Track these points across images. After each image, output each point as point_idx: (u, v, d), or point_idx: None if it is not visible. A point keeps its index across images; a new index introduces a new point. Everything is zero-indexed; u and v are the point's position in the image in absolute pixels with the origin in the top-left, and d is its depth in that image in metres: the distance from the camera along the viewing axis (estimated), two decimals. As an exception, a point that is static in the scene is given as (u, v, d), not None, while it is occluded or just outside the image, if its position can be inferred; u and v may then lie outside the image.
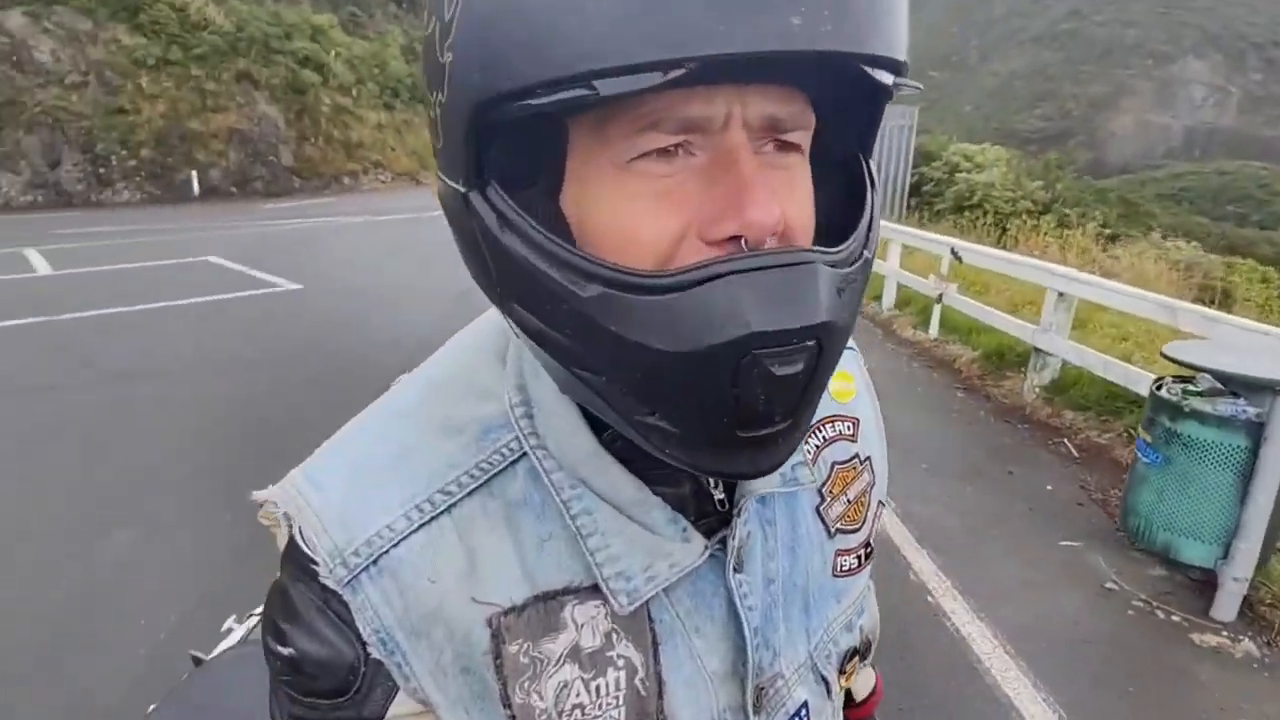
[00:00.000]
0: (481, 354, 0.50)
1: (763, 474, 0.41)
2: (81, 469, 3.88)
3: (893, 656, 2.48)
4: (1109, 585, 3.00)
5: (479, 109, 0.34)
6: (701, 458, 0.39)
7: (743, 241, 0.35)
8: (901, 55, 0.35)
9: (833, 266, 0.37)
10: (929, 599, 2.88)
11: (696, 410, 0.37)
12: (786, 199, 0.37)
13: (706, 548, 0.47)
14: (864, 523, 0.59)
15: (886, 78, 0.35)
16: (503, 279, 0.39)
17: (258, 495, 0.46)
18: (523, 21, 0.31)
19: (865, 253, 0.40)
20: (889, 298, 7.48)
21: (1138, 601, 2.88)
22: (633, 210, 0.36)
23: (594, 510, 0.45)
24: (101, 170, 18.71)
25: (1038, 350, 5.00)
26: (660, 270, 0.35)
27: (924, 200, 16.63)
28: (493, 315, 0.50)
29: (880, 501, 0.62)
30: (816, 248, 0.37)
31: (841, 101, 0.40)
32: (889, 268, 7.36)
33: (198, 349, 5.99)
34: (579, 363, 0.38)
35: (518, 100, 0.32)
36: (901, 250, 7.51)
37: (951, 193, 16.68)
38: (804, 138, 0.39)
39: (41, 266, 9.43)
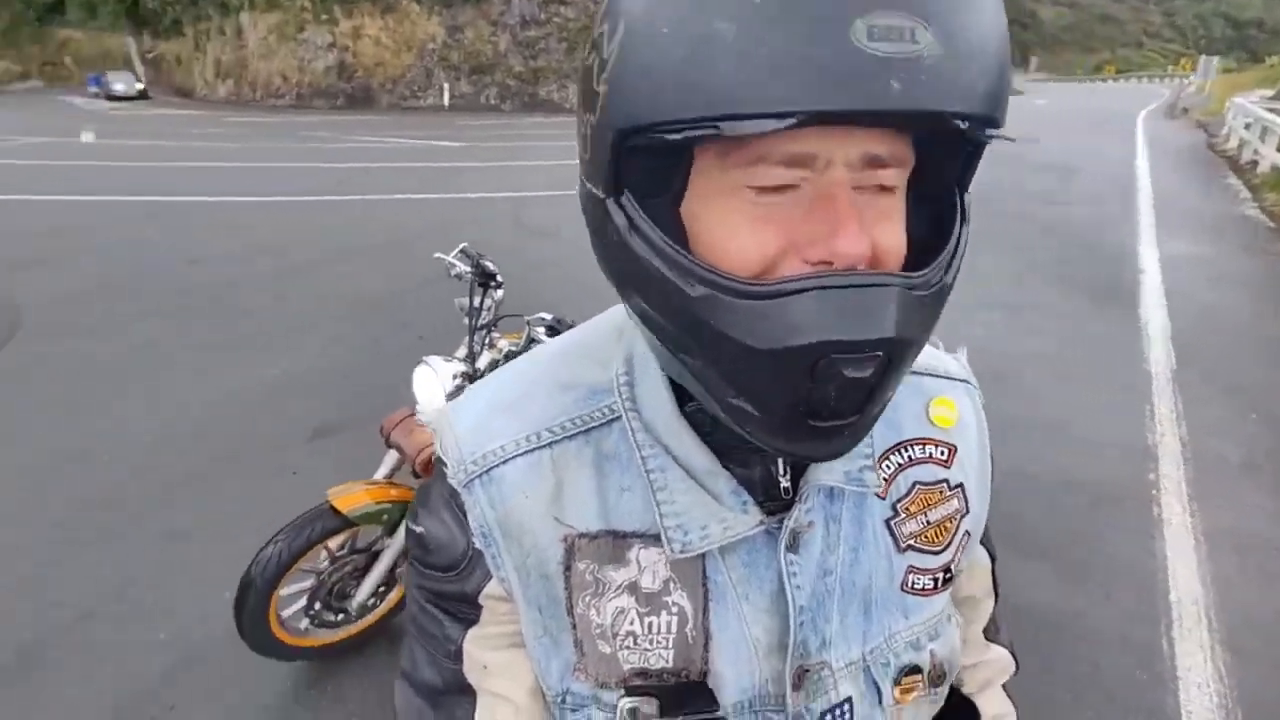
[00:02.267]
0: (603, 331, 0.59)
1: (826, 458, 0.47)
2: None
3: None
4: None
5: (623, 134, 0.40)
6: (775, 438, 0.44)
7: (833, 263, 0.40)
8: (994, 111, 0.39)
9: (909, 289, 0.41)
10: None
11: (776, 398, 0.42)
12: (878, 231, 0.41)
13: (762, 521, 0.52)
14: (946, 547, 0.61)
15: (978, 130, 0.39)
16: (626, 273, 0.45)
17: (421, 416, 0.58)
18: (666, 69, 0.37)
19: (945, 278, 0.44)
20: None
21: None
22: (739, 227, 0.41)
23: (667, 470, 0.52)
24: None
25: None
26: (758, 280, 0.40)
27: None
28: (619, 304, 0.56)
29: (968, 532, 0.63)
30: (896, 273, 0.42)
31: (942, 143, 0.44)
32: None
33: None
34: (682, 348, 0.44)
35: (656, 131, 0.39)
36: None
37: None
38: (901, 175, 0.43)
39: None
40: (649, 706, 0.51)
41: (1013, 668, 0.72)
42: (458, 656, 0.56)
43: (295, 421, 3.58)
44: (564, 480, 0.52)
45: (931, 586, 0.60)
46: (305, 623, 2.11)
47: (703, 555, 0.52)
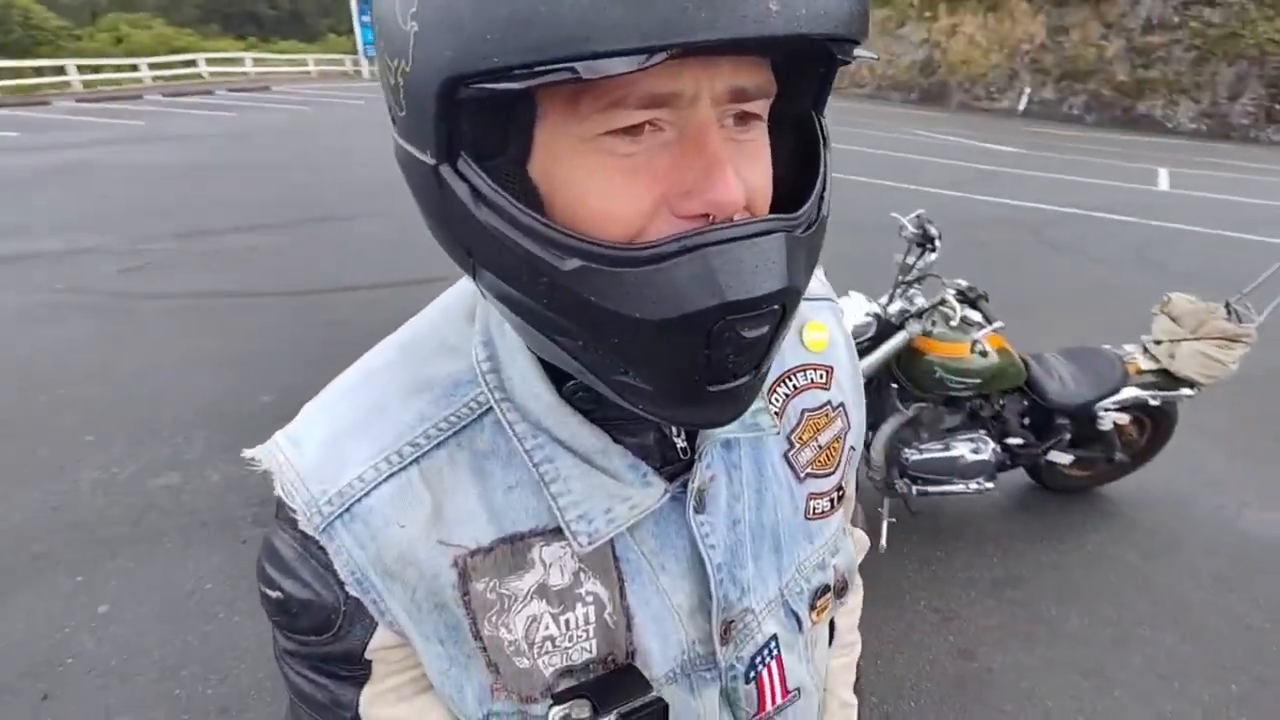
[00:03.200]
0: (451, 315, 0.52)
1: (727, 423, 0.43)
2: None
3: None
4: None
5: (449, 85, 0.33)
6: (673, 411, 0.42)
7: (710, 216, 0.37)
8: (863, 31, 0.36)
9: (792, 232, 0.38)
10: None
11: (670, 370, 0.39)
12: (749, 172, 0.39)
13: (666, 490, 0.50)
14: (836, 467, 0.61)
15: (847, 51, 0.36)
16: (476, 250, 0.39)
17: (247, 453, 0.49)
18: (501, 3, 0.31)
19: (822, 211, 0.41)
20: None
21: None
22: (604, 185, 0.37)
23: (556, 458, 0.48)
24: (1277, 106, 17.89)
25: None
26: (634, 243, 0.36)
27: None
28: (464, 279, 0.49)
29: (853, 447, 0.64)
30: (778, 216, 0.39)
31: (799, 66, 0.41)
32: None
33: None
34: (555, 329, 0.39)
35: (494, 80, 0.32)
36: None
37: None
38: (765, 106, 0.40)
39: (1164, 183, 10.90)
40: (580, 709, 0.49)
41: (867, 544, 0.79)
42: None
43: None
44: (442, 495, 0.47)
45: (829, 508, 0.61)
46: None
47: (610, 538, 0.49)
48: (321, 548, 0.47)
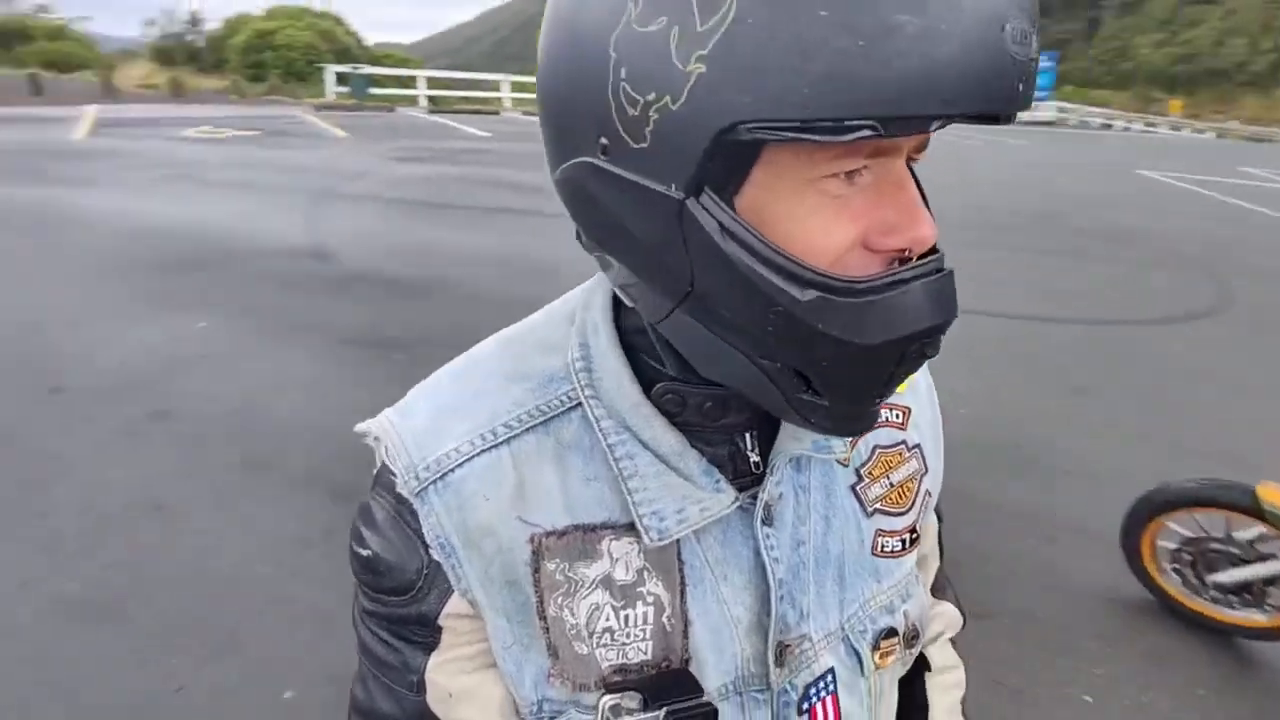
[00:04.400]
0: (554, 316, 0.56)
1: (866, 431, 0.50)
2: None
3: None
4: None
5: (734, 129, 0.35)
6: (840, 423, 0.45)
7: (907, 251, 0.41)
8: None
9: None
10: None
11: (858, 387, 0.43)
12: None
13: (737, 499, 0.51)
14: (910, 508, 0.61)
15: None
16: (703, 279, 0.40)
17: (358, 427, 0.54)
18: (813, 58, 0.32)
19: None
20: None
21: None
22: (820, 223, 0.39)
23: (636, 456, 0.49)
24: None
25: None
26: (862, 278, 0.39)
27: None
28: (575, 290, 0.56)
29: (929, 491, 0.64)
30: (939, 253, 0.43)
31: None
32: None
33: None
34: (768, 352, 0.42)
35: (791, 131, 0.34)
36: None
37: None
38: (923, 151, 0.43)
39: None
40: (631, 701, 0.50)
41: (960, 622, 0.73)
42: (420, 687, 0.53)
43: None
44: (525, 477, 0.50)
45: (900, 548, 0.61)
46: (1169, 565, 2.32)
47: (677, 540, 0.50)
48: (414, 511, 0.49)
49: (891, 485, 0.60)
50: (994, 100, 0.34)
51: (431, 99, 18.56)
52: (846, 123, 0.33)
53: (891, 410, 0.61)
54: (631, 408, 0.49)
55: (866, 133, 0.33)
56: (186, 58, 25.35)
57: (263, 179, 8.55)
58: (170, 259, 5.46)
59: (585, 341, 0.52)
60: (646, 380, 0.50)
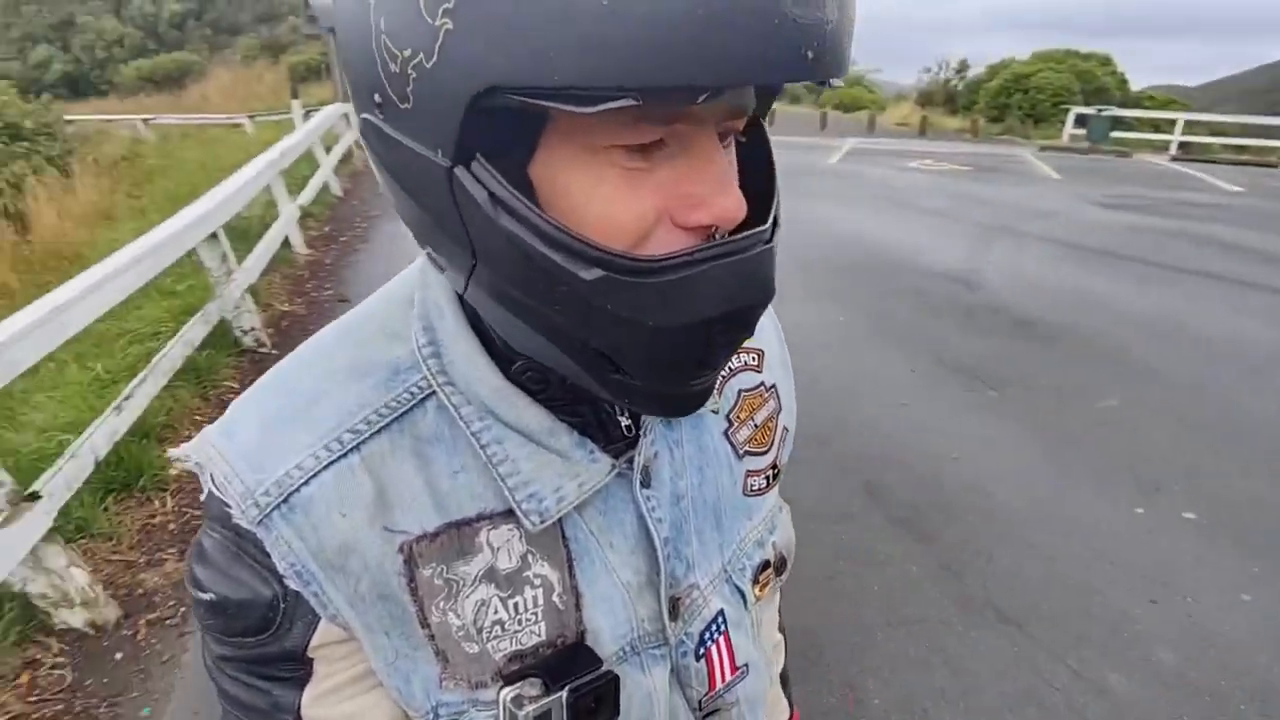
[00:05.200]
0: (392, 299, 0.52)
1: (696, 409, 0.45)
2: None
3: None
4: None
5: (489, 91, 0.32)
6: (655, 404, 0.44)
7: (714, 228, 0.39)
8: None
9: (769, 243, 0.40)
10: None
11: (666, 368, 0.41)
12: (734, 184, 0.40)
13: (614, 466, 0.50)
14: (771, 445, 0.63)
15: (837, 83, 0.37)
16: (483, 252, 0.38)
17: (172, 453, 0.48)
18: (569, 20, 0.29)
19: (779, 219, 0.43)
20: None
21: None
22: (610, 194, 0.37)
23: (504, 440, 0.47)
24: None
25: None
26: (653, 256, 0.37)
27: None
28: (411, 267, 0.52)
29: (785, 427, 0.66)
30: (760, 229, 0.40)
31: (774, 88, 0.44)
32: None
33: None
34: (558, 331, 0.40)
35: (549, 98, 0.32)
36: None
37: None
38: (742, 123, 0.41)
39: None
40: (532, 688, 0.49)
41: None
42: None
43: None
44: (384, 482, 0.46)
45: (765, 485, 0.63)
46: None
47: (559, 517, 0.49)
48: (257, 543, 0.44)
49: (756, 426, 0.62)
50: (771, 68, 0.31)
51: (1183, 145, 15.94)
52: (600, 91, 0.31)
53: (749, 354, 0.63)
54: (492, 392, 0.47)
55: (626, 102, 0.31)
56: (943, 99, 27.97)
57: (951, 207, 9.14)
58: (844, 261, 6.56)
59: (430, 325, 0.48)
60: (501, 357, 0.47)
